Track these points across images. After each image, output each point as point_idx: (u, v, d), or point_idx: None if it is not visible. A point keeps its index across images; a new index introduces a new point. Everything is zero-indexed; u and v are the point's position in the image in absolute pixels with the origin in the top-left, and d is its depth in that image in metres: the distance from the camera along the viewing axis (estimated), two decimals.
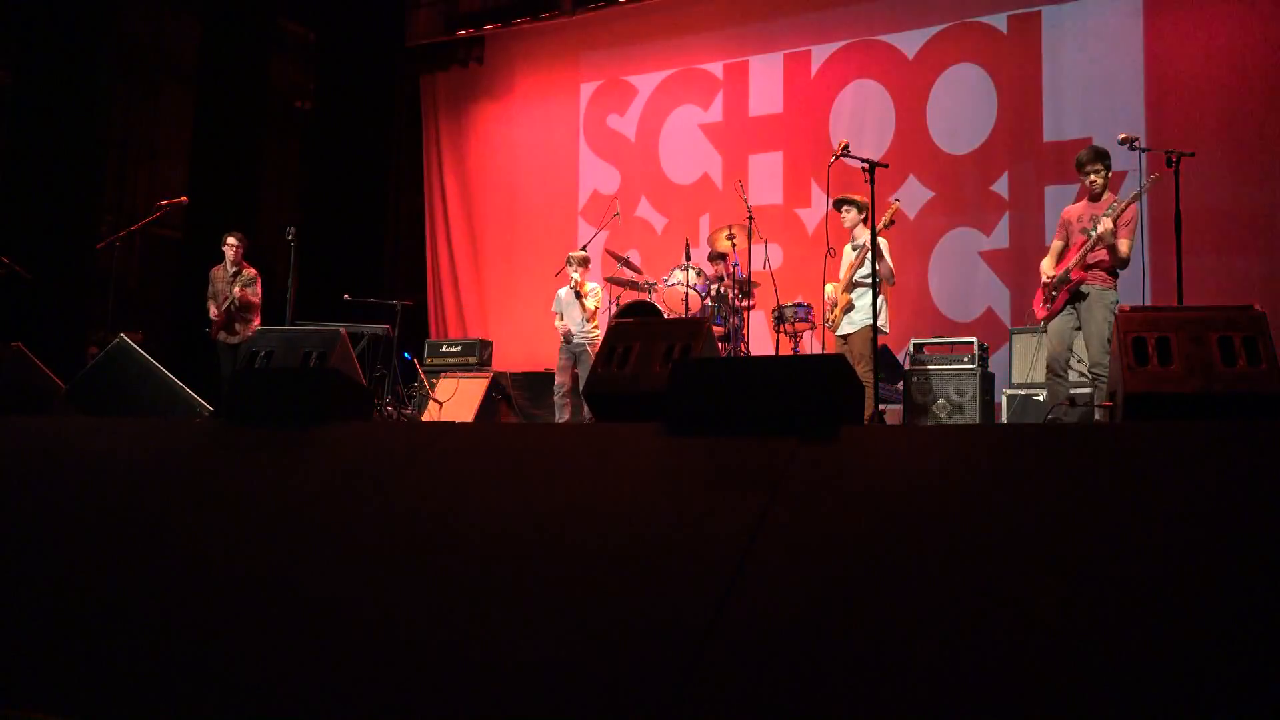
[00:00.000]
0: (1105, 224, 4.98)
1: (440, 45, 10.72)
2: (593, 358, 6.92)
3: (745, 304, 7.37)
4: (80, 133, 8.20)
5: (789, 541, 1.97)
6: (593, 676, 1.71)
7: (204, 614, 2.10)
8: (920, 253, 8.14)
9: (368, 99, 10.35)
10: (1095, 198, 5.18)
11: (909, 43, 8.47)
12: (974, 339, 6.68)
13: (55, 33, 8.09)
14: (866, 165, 4.95)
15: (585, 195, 9.89)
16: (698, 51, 9.41)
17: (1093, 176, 5.16)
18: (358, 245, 10.06)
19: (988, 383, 6.58)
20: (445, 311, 10.49)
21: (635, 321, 3.33)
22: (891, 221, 5.82)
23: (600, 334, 7.15)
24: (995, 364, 6.90)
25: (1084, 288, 5.11)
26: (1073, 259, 5.13)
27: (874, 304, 5.39)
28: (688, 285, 7.22)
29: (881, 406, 5.77)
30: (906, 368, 6.72)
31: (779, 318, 7.01)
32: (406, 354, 8.08)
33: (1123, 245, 5.03)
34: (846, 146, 5.26)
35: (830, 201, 6.22)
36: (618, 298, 8.00)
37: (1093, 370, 5.11)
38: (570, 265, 7.19)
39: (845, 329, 6.00)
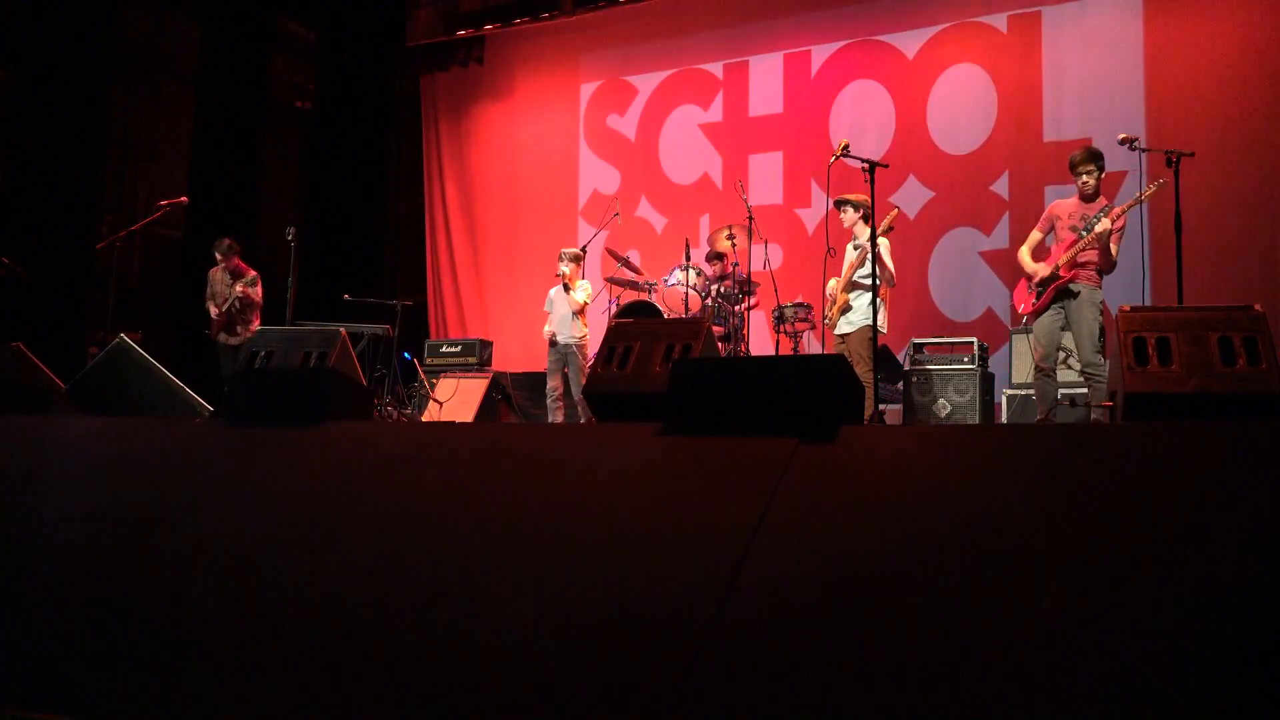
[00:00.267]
0: (1105, 223, 4.97)
1: (440, 45, 10.71)
2: (581, 359, 6.92)
3: (747, 303, 7.37)
4: (80, 133, 8.20)
5: (789, 541, 1.97)
6: (593, 677, 1.71)
7: (204, 614, 2.10)
8: (920, 253, 8.14)
9: (368, 99, 10.34)
10: (1087, 199, 5.18)
11: (909, 43, 8.47)
12: (974, 339, 6.68)
13: (55, 33, 8.09)
14: (866, 165, 4.95)
15: (585, 195, 9.89)
16: (698, 51, 9.41)
17: (1085, 177, 5.15)
18: (358, 245, 10.06)
19: (988, 383, 6.58)
20: (445, 311, 10.49)
21: (635, 321, 3.33)
22: (890, 228, 5.81)
23: (589, 335, 7.10)
24: (995, 364, 6.90)
25: (1074, 286, 5.09)
26: (1062, 256, 5.12)
27: (873, 304, 5.38)
28: (688, 285, 7.22)
29: (881, 406, 5.77)
30: (906, 368, 6.72)
31: (779, 318, 7.00)
32: (406, 354, 8.08)
33: (1112, 250, 5.03)
34: (846, 146, 5.25)
35: (830, 201, 6.22)
36: (618, 298, 8.00)
37: (1085, 370, 5.10)
38: (561, 260, 7.10)
39: (843, 329, 5.99)
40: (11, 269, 6.36)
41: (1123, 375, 2.63)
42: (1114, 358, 2.83)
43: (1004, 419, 6.46)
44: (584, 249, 8.38)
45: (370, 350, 7.50)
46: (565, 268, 7.06)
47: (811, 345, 7.39)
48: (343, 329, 3.79)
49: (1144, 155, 5.27)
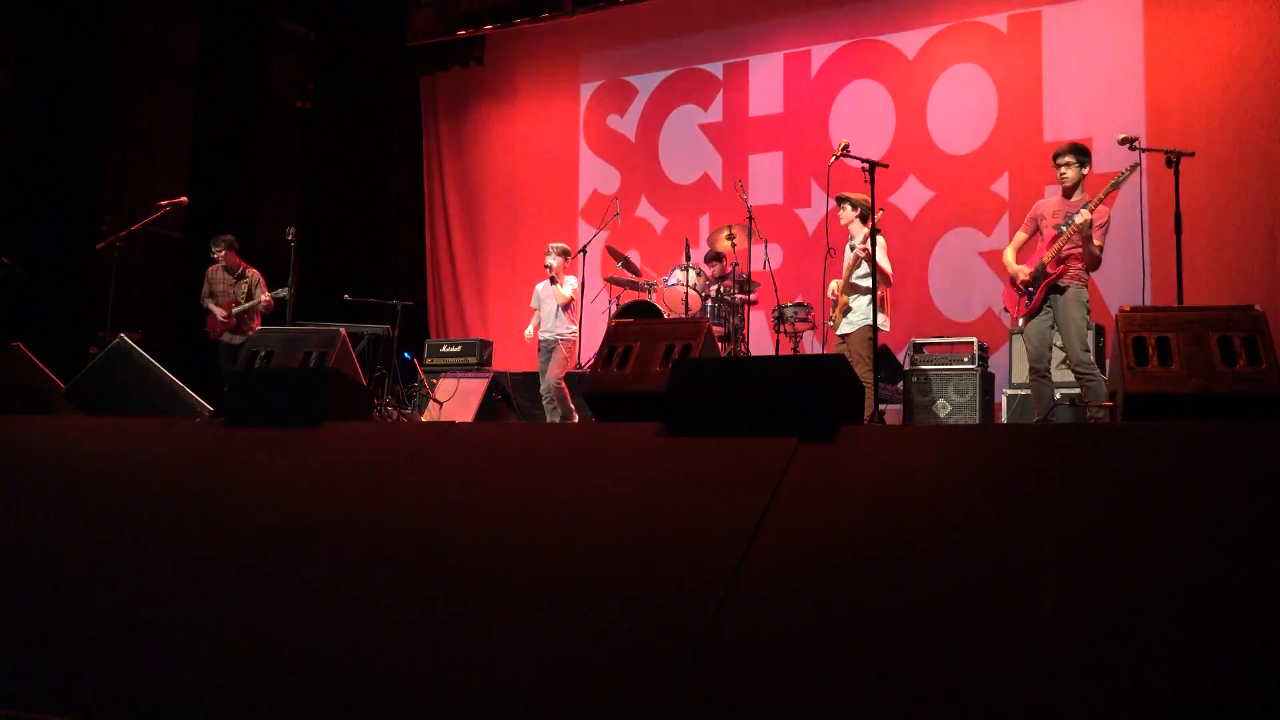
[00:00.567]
0: (1084, 214, 4.97)
1: (440, 45, 10.71)
2: (564, 352, 6.87)
3: (746, 297, 7.36)
4: (80, 133, 8.20)
5: (789, 542, 1.97)
6: (593, 676, 1.71)
7: (204, 614, 2.10)
8: (920, 253, 8.14)
9: (368, 99, 10.34)
10: (1067, 193, 5.18)
11: (909, 43, 8.47)
12: (974, 339, 6.68)
13: (55, 32, 8.09)
14: (866, 165, 4.95)
15: (585, 195, 9.89)
16: (698, 51, 9.41)
17: (1063, 169, 5.16)
18: (358, 245, 10.05)
19: (988, 383, 6.58)
20: (445, 311, 10.49)
21: (635, 321, 3.34)
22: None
23: (575, 330, 7.00)
24: (995, 364, 6.90)
25: (1060, 283, 5.09)
26: (1046, 253, 5.13)
27: (873, 305, 5.38)
28: (688, 285, 7.22)
29: (881, 406, 5.77)
30: (906, 368, 6.72)
31: (779, 318, 7.00)
32: (406, 354, 8.08)
33: (1096, 244, 5.01)
34: (846, 146, 5.25)
35: (830, 200, 6.22)
36: (618, 298, 8.00)
37: (1076, 370, 5.10)
38: (549, 254, 7.02)
39: (844, 329, 6.00)
40: (11, 269, 6.36)
41: (1123, 375, 2.63)
42: (1114, 358, 2.83)
43: (1004, 419, 6.45)
44: (584, 249, 8.38)
45: (370, 350, 7.50)
46: (553, 261, 7.00)
47: (811, 345, 7.39)
48: (343, 329, 3.79)
49: (1144, 155, 5.27)
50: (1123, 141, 5.13)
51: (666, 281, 7.40)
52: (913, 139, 8.33)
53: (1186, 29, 7.42)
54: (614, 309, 7.81)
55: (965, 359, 6.53)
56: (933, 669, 1.57)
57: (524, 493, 2.39)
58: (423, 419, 7.34)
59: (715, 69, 9.34)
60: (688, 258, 7.45)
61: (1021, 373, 6.45)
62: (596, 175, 9.85)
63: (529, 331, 7.18)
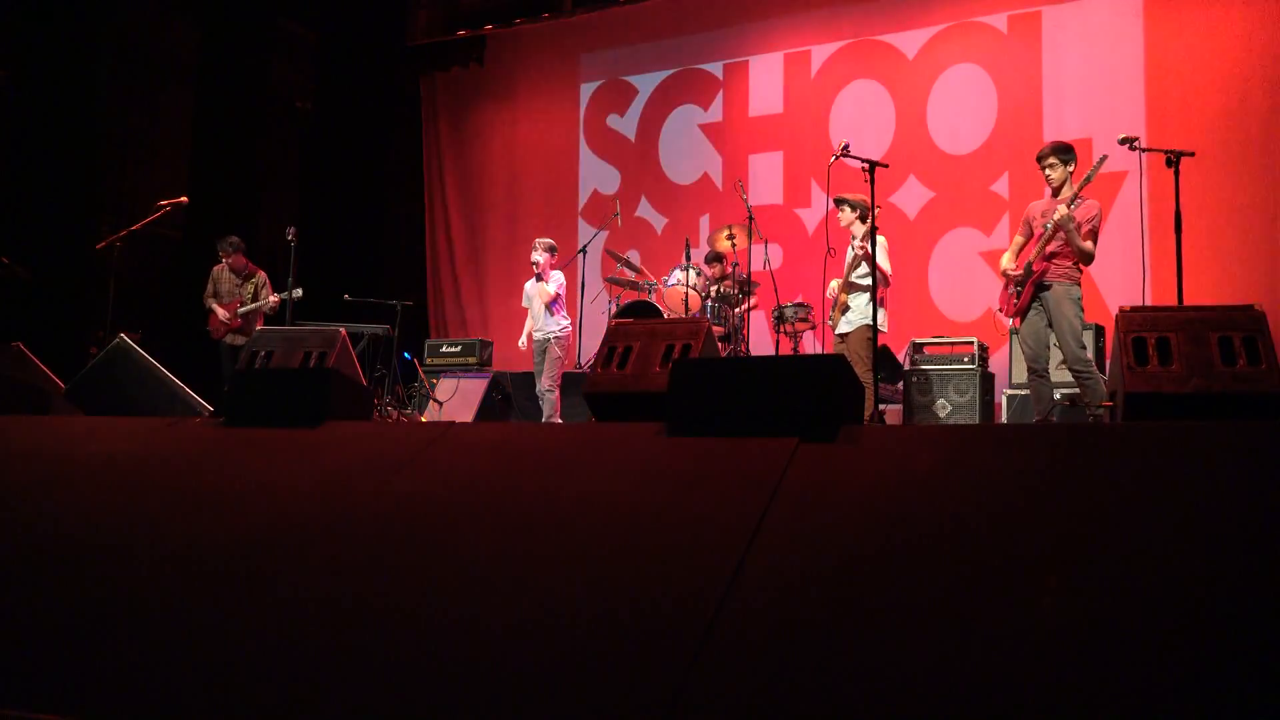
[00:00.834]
0: (1061, 210, 4.99)
1: (440, 45, 10.71)
2: (558, 350, 6.82)
3: (747, 304, 7.37)
4: (80, 133, 8.20)
5: (789, 541, 1.97)
6: (593, 676, 1.71)
7: (204, 614, 2.10)
8: (920, 253, 8.15)
9: (368, 99, 10.34)
10: (1055, 193, 5.18)
11: (909, 43, 8.47)
12: (974, 339, 6.68)
13: (55, 33, 8.09)
14: (866, 165, 4.95)
15: (585, 195, 9.88)
16: (698, 51, 9.41)
17: (1047, 171, 5.16)
18: (358, 245, 10.05)
19: (988, 383, 6.58)
20: (445, 311, 10.49)
21: (635, 321, 3.34)
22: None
23: (567, 326, 6.93)
24: (995, 364, 6.90)
25: (1045, 280, 5.09)
26: (1033, 252, 5.14)
27: (873, 305, 5.38)
28: (688, 285, 7.22)
29: (881, 406, 5.77)
30: (906, 368, 6.72)
31: (779, 318, 7.00)
32: (406, 354, 8.08)
33: (1085, 243, 5.01)
34: (846, 146, 5.25)
35: (830, 200, 6.22)
36: (618, 298, 8.00)
37: (1072, 369, 5.09)
38: (535, 250, 6.92)
39: (842, 328, 6.01)
40: (11, 269, 6.35)
41: (1123, 375, 2.63)
42: (1114, 358, 2.83)
43: (1004, 419, 6.45)
44: (584, 249, 8.38)
45: (370, 350, 7.50)
46: (538, 257, 6.89)
47: (812, 345, 7.40)
48: (343, 329, 3.79)
49: (1144, 155, 5.27)
50: (1123, 141, 5.12)
51: (666, 281, 7.40)
52: (913, 139, 8.33)
53: (1186, 29, 7.42)
54: (614, 309, 7.81)
55: (965, 359, 6.53)
56: (932, 669, 1.57)
57: (524, 493, 2.39)
58: (423, 419, 7.34)
59: (715, 69, 9.34)
60: (688, 258, 7.45)
61: (1021, 373, 6.44)
62: (596, 175, 9.85)
63: (522, 341, 7.09)
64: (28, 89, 8.07)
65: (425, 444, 2.76)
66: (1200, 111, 7.26)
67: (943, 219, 8.16)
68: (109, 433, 3.32)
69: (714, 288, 7.32)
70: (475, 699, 1.73)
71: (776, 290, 7.08)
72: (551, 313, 6.86)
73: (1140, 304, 4.47)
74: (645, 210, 9.53)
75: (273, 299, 7.19)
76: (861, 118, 8.58)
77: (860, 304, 5.92)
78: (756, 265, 7.46)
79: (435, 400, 7.40)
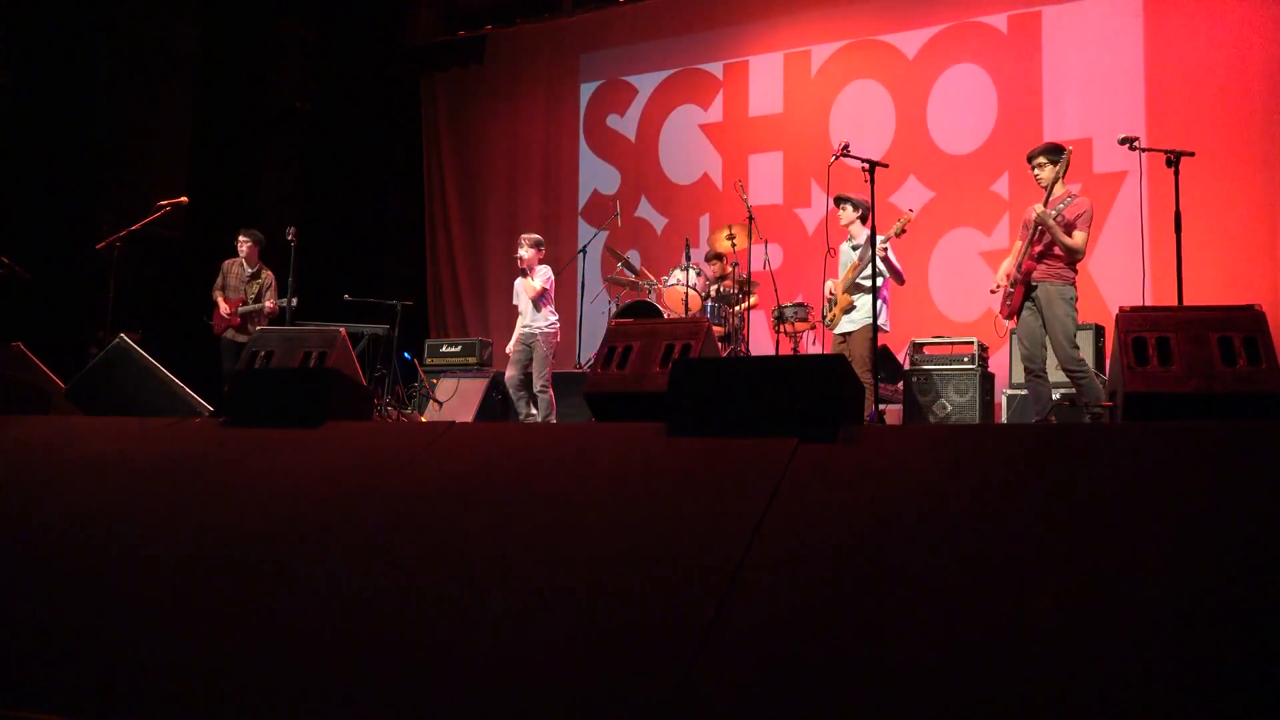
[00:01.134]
0: (1037, 208, 5.00)
1: (440, 45, 10.71)
2: (545, 349, 6.71)
3: (746, 304, 7.37)
4: (80, 133, 8.20)
5: (789, 542, 1.97)
6: (592, 676, 1.71)
7: (204, 614, 2.10)
8: (920, 253, 8.14)
9: (368, 99, 10.34)
10: (1048, 193, 5.17)
11: (909, 43, 8.48)
12: (974, 339, 6.68)
13: (54, 33, 8.09)
14: (866, 165, 4.96)
15: (585, 195, 9.88)
16: (698, 51, 9.41)
17: (1036, 171, 5.17)
18: (358, 245, 10.05)
19: (988, 383, 6.58)
20: (445, 311, 10.49)
21: (635, 321, 3.34)
22: (902, 230, 5.78)
23: (555, 322, 6.79)
24: (995, 364, 6.90)
25: (1033, 280, 5.09)
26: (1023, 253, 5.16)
27: (873, 305, 5.39)
28: (688, 285, 7.22)
29: (881, 406, 5.77)
30: (906, 368, 6.72)
31: (779, 318, 7.01)
32: (406, 354, 8.08)
33: (1075, 237, 5.00)
34: (846, 146, 5.26)
35: (830, 200, 6.22)
36: (618, 298, 8.00)
37: (1065, 368, 5.09)
38: (521, 245, 6.83)
39: (845, 327, 5.99)
40: (12, 269, 6.35)
41: (1123, 375, 2.63)
42: (1114, 358, 2.83)
43: (1004, 419, 6.46)
44: (584, 249, 8.38)
45: (370, 350, 7.50)
46: (522, 252, 6.79)
47: (811, 345, 7.40)
48: (343, 329, 3.79)
49: (1144, 155, 5.27)
50: (1123, 141, 5.13)
51: (666, 281, 7.40)
52: (913, 139, 8.33)
53: (1186, 29, 7.42)
54: (614, 309, 7.81)
55: (965, 359, 6.53)
56: (932, 669, 1.57)
57: (524, 493, 2.39)
58: (423, 419, 7.33)
59: (715, 69, 9.34)
60: (688, 258, 7.45)
61: (1021, 372, 6.45)
62: (596, 175, 9.84)
63: (510, 346, 6.97)
64: (28, 89, 8.07)
65: (425, 444, 2.76)
66: (1200, 111, 7.26)
67: (943, 219, 8.16)
68: (109, 433, 3.32)
69: (714, 287, 7.32)
70: (477, 698, 1.73)
71: (776, 290, 7.08)
72: (538, 308, 6.73)
73: (1140, 304, 4.47)
74: (645, 210, 9.53)
75: (269, 303, 7.18)
76: (861, 118, 8.58)
77: (866, 304, 5.92)
78: (756, 265, 7.46)
79: (435, 400, 7.40)
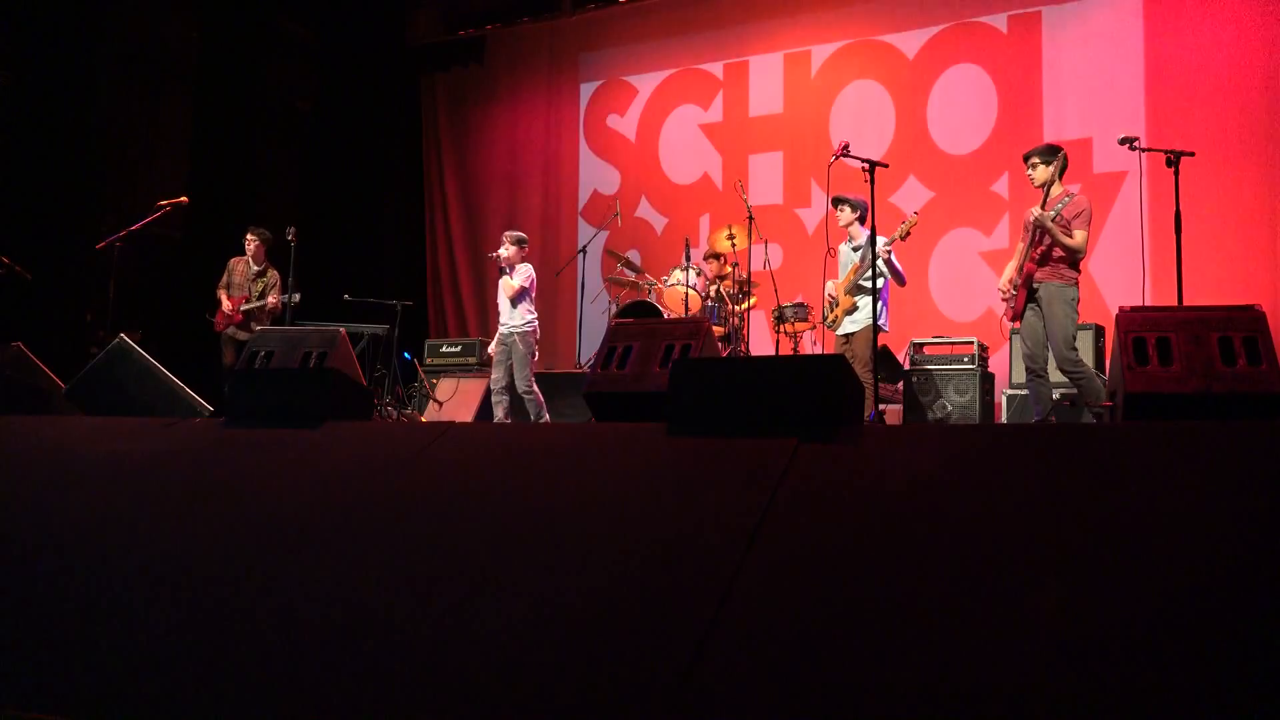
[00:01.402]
0: (1035, 210, 4.99)
1: (440, 45, 10.71)
2: (523, 348, 6.39)
3: (746, 304, 7.37)
4: (80, 133, 8.19)
5: (789, 541, 1.97)
6: (593, 675, 1.71)
7: (205, 613, 2.10)
8: (920, 253, 8.14)
9: (368, 99, 10.33)
10: (1046, 193, 5.16)
11: (909, 43, 8.47)
12: (974, 339, 6.68)
13: (55, 32, 8.09)
14: (866, 165, 4.95)
15: (585, 195, 9.88)
16: (698, 51, 9.41)
17: (1029, 171, 5.17)
18: (357, 245, 10.05)
19: (988, 383, 6.58)
20: (445, 311, 10.48)
21: (635, 321, 3.34)
22: (907, 233, 5.77)
23: (533, 321, 6.61)
24: (995, 364, 6.90)
25: (1035, 283, 5.08)
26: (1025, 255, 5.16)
27: (874, 305, 5.39)
28: (688, 285, 7.21)
29: (881, 406, 5.77)
30: (906, 368, 6.72)
31: (779, 318, 7.01)
32: (406, 354, 8.08)
33: (1075, 237, 4.99)
34: (846, 146, 5.25)
35: (830, 200, 6.22)
36: (618, 298, 8.00)
37: (1063, 369, 5.09)
38: (503, 243, 6.66)
39: (848, 328, 5.99)
40: (12, 269, 6.35)
41: (1123, 375, 2.63)
42: (1114, 358, 2.83)
43: (1004, 419, 6.45)
44: (584, 249, 8.38)
45: (370, 350, 7.49)
46: (502, 250, 6.63)
47: (812, 345, 7.40)
48: (343, 329, 3.79)
49: (1144, 155, 5.26)
50: (1123, 141, 5.12)
51: (666, 281, 7.40)
52: (913, 139, 8.33)
53: (1186, 29, 7.42)
54: (614, 309, 7.81)
55: (965, 359, 6.53)
56: (931, 668, 1.57)
57: (524, 493, 2.39)
58: (423, 419, 7.33)
59: (715, 69, 9.34)
60: (688, 258, 7.45)
61: (1022, 373, 6.45)
62: (596, 175, 9.84)
63: (493, 347, 6.89)
64: (28, 89, 8.07)
65: (425, 444, 2.76)
66: (1200, 111, 7.26)
67: (943, 219, 8.15)
68: (109, 433, 3.32)
69: (713, 287, 7.32)
70: (476, 695, 1.73)
71: (776, 290, 7.08)
72: (516, 305, 6.58)
73: (1140, 304, 4.47)
74: (645, 210, 9.53)
75: (271, 300, 7.17)
76: (861, 118, 8.57)
77: (868, 305, 5.93)
78: (756, 265, 7.46)
79: (435, 400, 7.40)
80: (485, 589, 2.01)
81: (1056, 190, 5.10)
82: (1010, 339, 6.74)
